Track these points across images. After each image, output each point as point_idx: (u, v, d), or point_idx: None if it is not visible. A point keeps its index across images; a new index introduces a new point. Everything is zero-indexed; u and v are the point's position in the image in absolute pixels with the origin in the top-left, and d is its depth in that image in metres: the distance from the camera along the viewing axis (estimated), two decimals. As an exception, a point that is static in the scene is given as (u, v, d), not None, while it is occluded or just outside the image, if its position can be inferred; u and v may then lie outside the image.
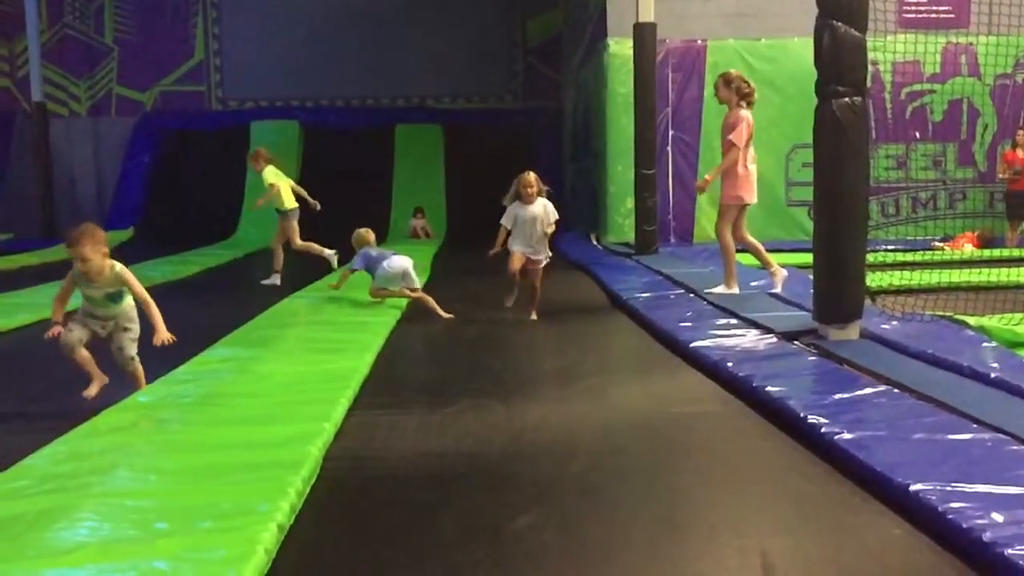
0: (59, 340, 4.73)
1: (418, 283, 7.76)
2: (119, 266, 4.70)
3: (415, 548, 2.90)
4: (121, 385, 4.91)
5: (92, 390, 4.80)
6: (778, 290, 7.43)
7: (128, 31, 19.82)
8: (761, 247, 7.71)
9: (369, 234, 8.10)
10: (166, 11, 19.79)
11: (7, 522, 2.95)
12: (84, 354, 4.80)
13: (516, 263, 7.23)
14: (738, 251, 7.75)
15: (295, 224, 8.71)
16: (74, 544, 2.74)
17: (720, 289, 7.51)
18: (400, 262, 7.60)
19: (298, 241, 8.71)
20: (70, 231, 4.76)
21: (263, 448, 3.70)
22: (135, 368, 4.87)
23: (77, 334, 4.77)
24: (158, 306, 4.88)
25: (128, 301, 4.84)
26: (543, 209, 7.17)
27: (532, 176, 7.23)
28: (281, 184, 8.66)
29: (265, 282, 8.21)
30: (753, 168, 7.52)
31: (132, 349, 4.83)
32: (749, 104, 7.49)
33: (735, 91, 7.45)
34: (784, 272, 7.61)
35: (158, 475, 3.42)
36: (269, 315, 7.34)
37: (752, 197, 7.56)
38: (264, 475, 3.33)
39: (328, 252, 8.71)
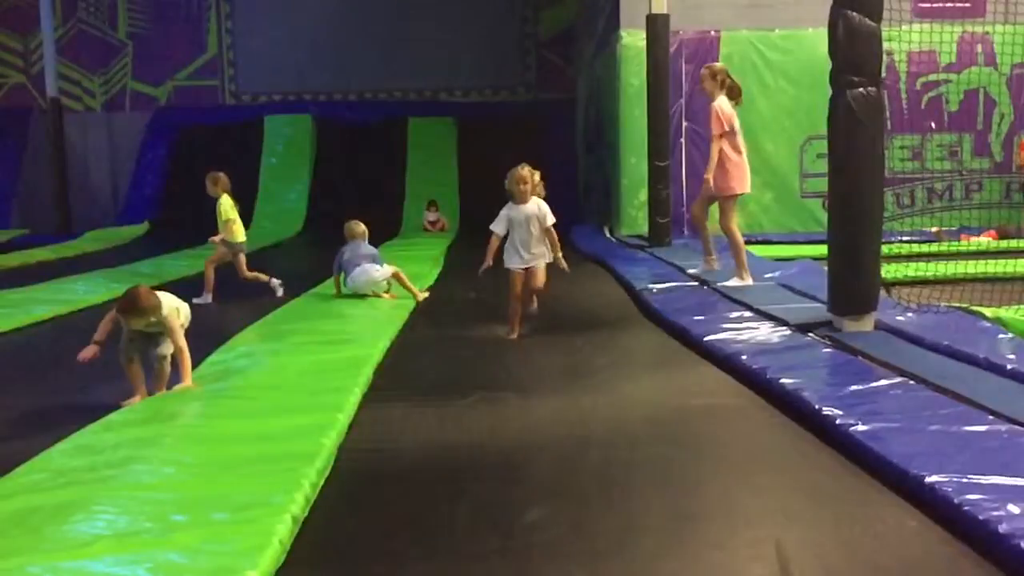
0: (118, 346, 4.79)
1: (387, 271, 7.68)
2: (165, 310, 4.70)
3: (429, 540, 2.91)
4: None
5: (130, 401, 4.81)
6: (699, 270, 7.85)
7: (142, 26, 19.88)
8: (710, 238, 7.94)
9: (356, 227, 8.00)
10: (180, 6, 19.83)
11: (25, 515, 2.97)
12: (136, 369, 4.84)
13: (517, 286, 6.37)
14: (747, 241, 7.81)
15: (225, 253, 8.69)
16: (91, 537, 2.77)
17: (734, 282, 7.50)
18: (365, 277, 7.56)
19: (209, 269, 8.69)
20: (124, 294, 4.74)
21: (277, 440, 3.72)
22: (163, 367, 4.88)
23: (131, 349, 4.81)
24: None
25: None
26: (537, 208, 6.31)
27: (526, 171, 6.28)
28: (237, 221, 8.68)
29: (280, 294, 8.23)
30: (742, 158, 7.57)
31: (166, 349, 4.84)
32: (734, 97, 7.56)
33: (719, 83, 7.51)
34: (718, 267, 7.73)
35: (174, 468, 3.44)
36: (283, 309, 7.37)
37: (744, 187, 7.64)
38: (279, 467, 3.35)
39: (207, 296, 8.54)
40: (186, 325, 4.93)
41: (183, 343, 4.74)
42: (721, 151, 7.55)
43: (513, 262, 6.39)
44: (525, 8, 19.91)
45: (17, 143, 19.53)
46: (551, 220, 6.35)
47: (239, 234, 8.68)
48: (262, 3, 19.74)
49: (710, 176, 7.65)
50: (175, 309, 4.79)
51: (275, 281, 8.40)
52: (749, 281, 7.51)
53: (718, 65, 7.87)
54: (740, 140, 7.60)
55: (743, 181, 7.58)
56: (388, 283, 7.81)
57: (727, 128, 7.49)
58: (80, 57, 19.69)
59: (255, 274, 8.56)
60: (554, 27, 19.83)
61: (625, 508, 3.15)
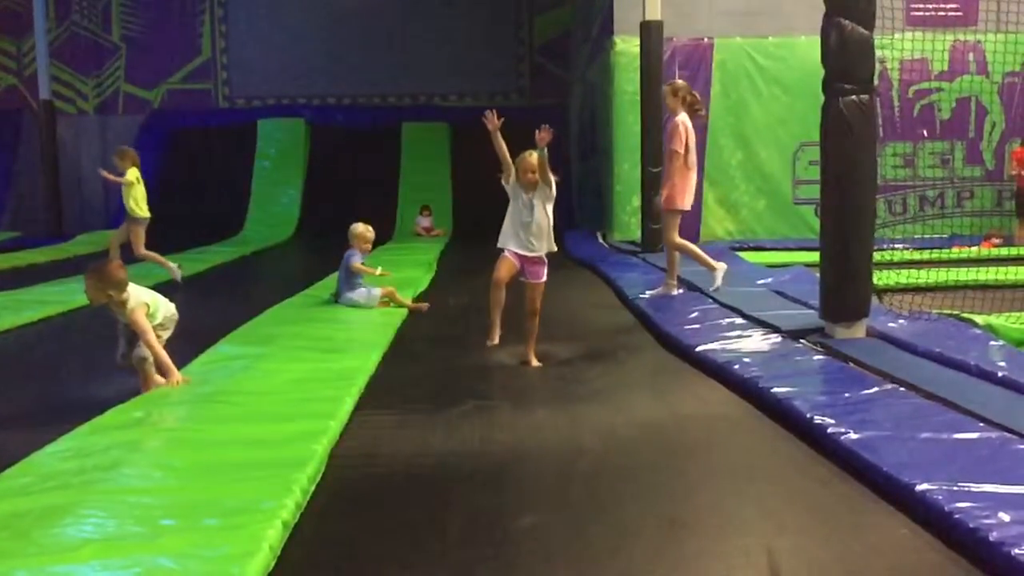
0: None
1: (375, 295, 7.53)
2: (131, 304, 4.70)
3: (420, 547, 2.90)
4: (128, 383, 4.92)
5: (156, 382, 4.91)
6: (656, 292, 7.69)
7: (135, 29, 19.85)
8: (678, 258, 7.81)
9: (350, 232, 7.77)
10: (173, 9, 19.82)
11: (12, 519, 2.95)
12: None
13: (504, 270, 5.72)
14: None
15: (142, 232, 8.85)
16: (79, 541, 2.75)
17: (718, 280, 7.54)
18: (349, 304, 7.44)
19: (142, 250, 8.82)
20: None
21: (269, 446, 3.71)
22: (145, 370, 4.86)
23: (120, 352, 4.88)
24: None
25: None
26: (545, 195, 5.72)
27: (534, 158, 5.65)
28: (139, 189, 8.79)
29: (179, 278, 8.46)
30: (692, 175, 7.63)
31: (146, 351, 4.83)
32: (695, 115, 7.62)
33: (681, 101, 7.58)
34: (675, 292, 7.67)
35: (163, 472, 3.42)
36: (275, 313, 7.35)
37: (688, 204, 7.69)
38: (270, 473, 3.33)
39: (172, 266, 8.70)
40: (168, 326, 4.90)
41: (150, 339, 4.68)
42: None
43: (510, 243, 5.75)
44: (520, 13, 19.94)
45: (9, 145, 19.48)
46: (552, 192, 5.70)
47: (140, 208, 8.80)
48: (256, 7, 19.73)
49: (664, 193, 7.68)
50: (143, 304, 4.75)
51: (172, 266, 8.55)
52: (723, 265, 7.60)
53: (680, 82, 7.97)
54: (693, 157, 7.68)
55: (689, 197, 7.67)
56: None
57: (688, 145, 7.55)
58: (73, 60, 19.66)
59: (152, 255, 8.73)
60: (548, 33, 19.87)
61: (617, 516, 3.14)
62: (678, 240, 7.68)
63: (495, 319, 5.82)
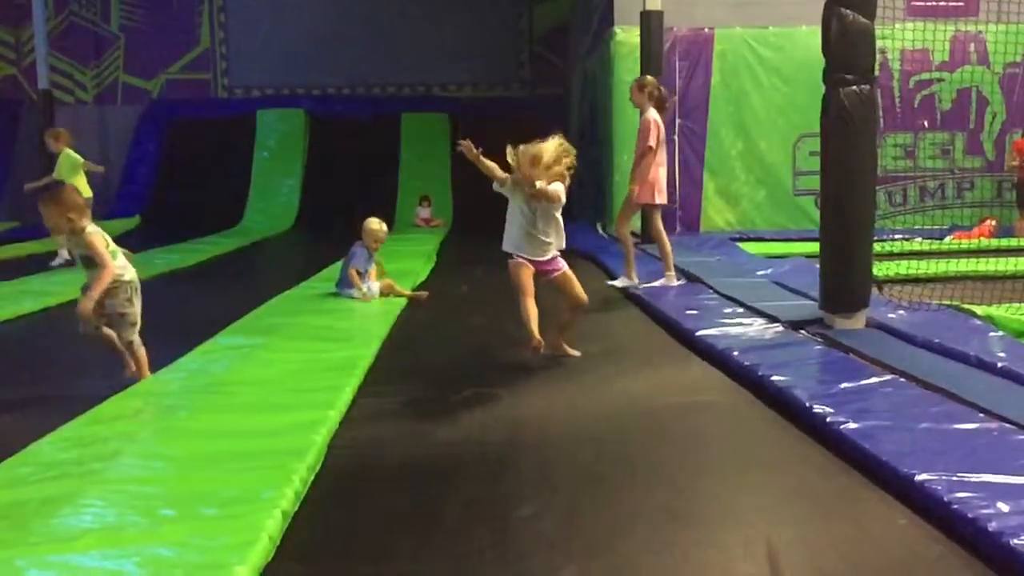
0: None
1: (374, 289, 7.40)
2: (89, 228, 4.75)
3: (419, 536, 2.90)
4: (127, 373, 4.93)
5: (128, 370, 4.90)
6: (650, 285, 7.59)
7: (134, 19, 19.79)
8: (669, 249, 7.78)
9: (366, 225, 7.50)
10: (172, -1, 19.78)
11: (11, 508, 2.95)
12: (107, 332, 4.86)
13: (525, 278, 5.14)
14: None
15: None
16: (78, 531, 2.75)
17: (620, 282, 7.67)
18: (346, 297, 7.33)
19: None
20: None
21: (268, 435, 3.71)
22: (136, 352, 4.87)
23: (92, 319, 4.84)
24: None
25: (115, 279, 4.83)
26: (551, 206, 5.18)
27: (528, 154, 5.02)
28: (80, 172, 8.89)
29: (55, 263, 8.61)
30: (659, 171, 7.66)
31: (132, 334, 4.84)
32: (662, 110, 7.65)
33: (647, 96, 7.61)
34: (675, 283, 7.62)
35: (162, 462, 3.43)
36: (274, 304, 7.33)
37: (653, 199, 7.72)
38: (268, 462, 3.34)
39: (64, 253, 8.85)
40: (134, 297, 4.89)
41: (107, 261, 4.70)
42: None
43: (516, 247, 5.23)
44: (520, 3, 19.89)
45: (8, 136, 19.44)
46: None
47: (82, 189, 8.86)
48: (255, -4, 19.70)
49: (636, 188, 7.68)
50: (101, 235, 4.79)
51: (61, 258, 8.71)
52: (635, 280, 7.68)
53: (648, 77, 8.05)
54: (663, 154, 7.71)
55: (652, 193, 7.69)
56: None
57: (658, 140, 7.57)
58: (72, 50, 19.59)
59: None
60: (549, 23, 19.81)
61: (615, 504, 3.14)
62: (624, 231, 7.77)
63: (533, 329, 5.09)
